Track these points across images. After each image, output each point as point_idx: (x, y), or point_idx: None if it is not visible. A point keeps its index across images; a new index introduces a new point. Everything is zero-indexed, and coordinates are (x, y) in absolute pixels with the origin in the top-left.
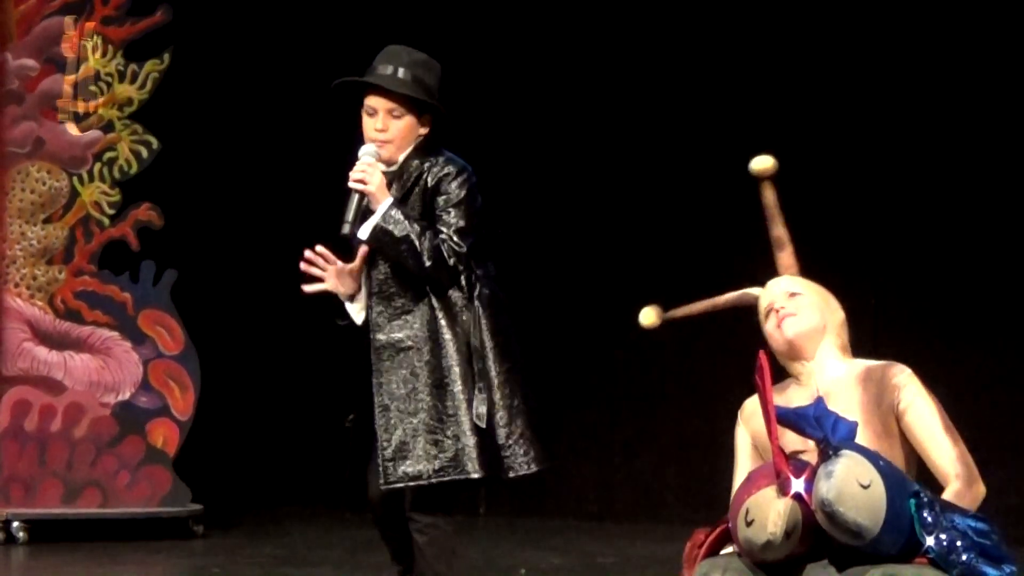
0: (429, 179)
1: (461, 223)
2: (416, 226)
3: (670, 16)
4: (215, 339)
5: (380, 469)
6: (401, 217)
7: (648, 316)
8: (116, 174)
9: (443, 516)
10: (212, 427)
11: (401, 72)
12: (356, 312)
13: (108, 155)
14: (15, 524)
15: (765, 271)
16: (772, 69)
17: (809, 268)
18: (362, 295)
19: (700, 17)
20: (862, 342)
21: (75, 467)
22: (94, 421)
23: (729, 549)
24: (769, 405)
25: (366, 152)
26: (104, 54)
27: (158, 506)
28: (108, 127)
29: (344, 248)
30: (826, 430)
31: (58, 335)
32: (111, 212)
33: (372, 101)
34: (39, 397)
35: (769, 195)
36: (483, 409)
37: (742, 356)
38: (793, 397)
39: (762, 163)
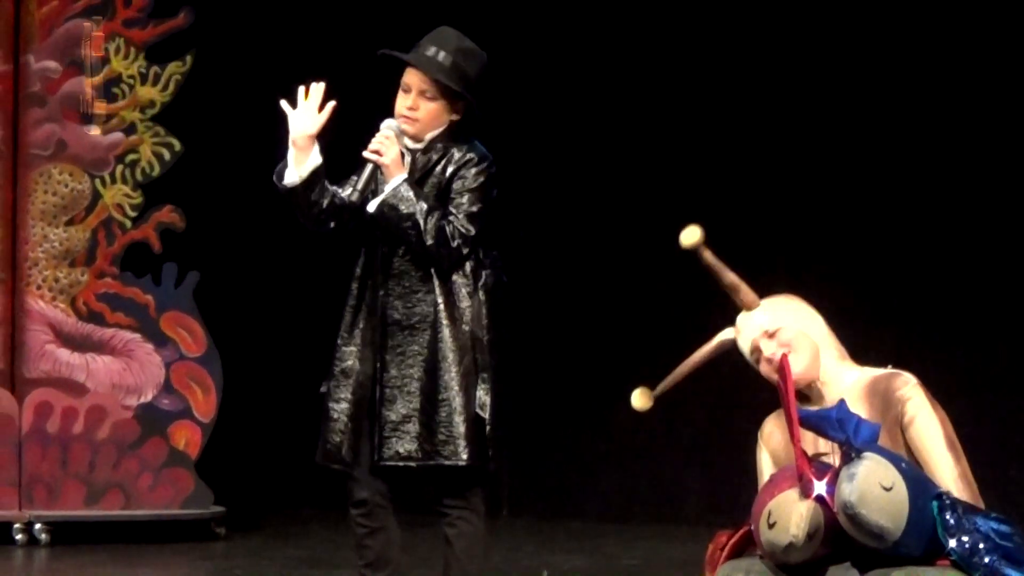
0: (450, 165)
1: (472, 208)
2: (424, 204)
3: (697, 28)
4: (237, 341)
5: (376, 444)
6: (411, 195)
7: (640, 399)
8: (138, 176)
9: (473, 509)
10: (234, 429)
11: (443, 56)
12: (294, 165)
13: (130, 157)
14: (37, 526)
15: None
16: (780, 85)
17: (823, 276)
18: (309, 160)
19: (728, 32)
20: (883, 346)
21: (97, 469)
22: (116, 423)
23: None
24: (791, 407)
25: (387, 126)
26: (126, 56)
27: (180, 508)
28: (130, 129)
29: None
30: (848, 432)
31: (80, 337)
32: (133, 214)
33: (408, 78)
34: (61, 399)
35: (708, 257)
36: (487, 399)
37: None
38: None
39: (691, 237)
